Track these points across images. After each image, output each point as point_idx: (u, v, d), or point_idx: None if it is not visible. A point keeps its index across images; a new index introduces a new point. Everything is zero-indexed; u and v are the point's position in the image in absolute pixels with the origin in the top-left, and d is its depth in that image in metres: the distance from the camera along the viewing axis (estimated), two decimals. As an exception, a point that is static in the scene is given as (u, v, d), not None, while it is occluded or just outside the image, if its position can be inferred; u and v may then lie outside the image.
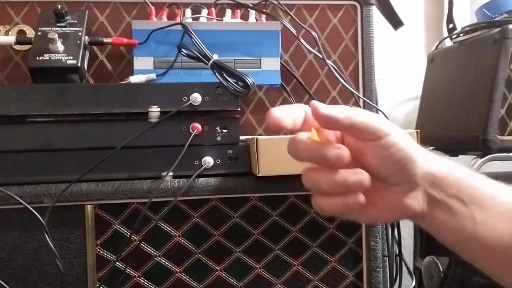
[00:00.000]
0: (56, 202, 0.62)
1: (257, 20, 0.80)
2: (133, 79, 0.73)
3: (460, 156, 1.15)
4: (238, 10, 0.80)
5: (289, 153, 0.40)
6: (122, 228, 0.66)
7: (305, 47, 0.81)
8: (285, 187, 0.68)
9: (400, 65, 1.32)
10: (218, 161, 0.68)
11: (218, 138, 0.69)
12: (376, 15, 0.86)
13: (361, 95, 0.83)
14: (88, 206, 0.65)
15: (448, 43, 1.15)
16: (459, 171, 0.43)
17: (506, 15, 0.97)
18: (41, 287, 0.64)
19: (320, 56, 0.79)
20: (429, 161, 0.42)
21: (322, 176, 0.39)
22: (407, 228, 1.29)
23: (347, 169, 0.39)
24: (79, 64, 0.68)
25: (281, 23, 0.79)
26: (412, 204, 0.42)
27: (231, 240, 0.68)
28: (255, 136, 0.65)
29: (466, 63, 1.00)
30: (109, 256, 0.66)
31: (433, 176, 0.42)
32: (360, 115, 0.39)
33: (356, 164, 0.40)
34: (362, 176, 0.39)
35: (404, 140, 0.40)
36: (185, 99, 0.67)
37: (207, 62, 0.70)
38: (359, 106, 0.83)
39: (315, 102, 0.38)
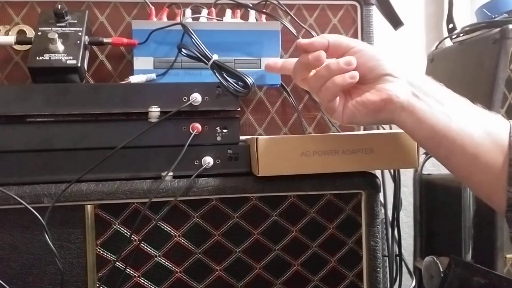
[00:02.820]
0: (56, 202, 0.62)
1: (257, 20, 0.80)
2: (133, 79, 0.73)
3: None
4: (238, 10, 0.80)
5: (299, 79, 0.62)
6: (122, 228, 0.66)
7: (305, 47, 0.80)
8: (285, 187, 0.68)
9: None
10: (218, 161, 0.68)
11: (218, 138, 0.69)
12: (376, 15, 0.86)
13: (361, 95, 0.83)
14: (88, 206, 0.65)
15: (448, 43, 1.15)
16: (434, 82, 0.57)
17: (506, 15, 0.97)
18: (41, 287, 0.64)
19: (320, 56, 0.79)
20: (404, 67, 0.55)
21: (321, 68, 0.56)
22: (407, 228, 1.29)
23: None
24: (79, 64, 0.68)
25: (281, 23, 0.79)
26: (394, 89, 0.53)
27: (231, 240, 0.69)
28: (255, 136, 0.65)
29: (466, 63, 1.00)
30: (109, 256, 0.66)
31: (409, 78, 0.55)
32: (335, 35, 0.58)
33: None
34: (348, 58, 0.56)
35: (373, 48, 0.57)
36: (185, 99, 0.67)
37: (207, 62, 0.70)
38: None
39: (300, 41, 0.56)
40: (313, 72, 0.59)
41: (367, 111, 0.55)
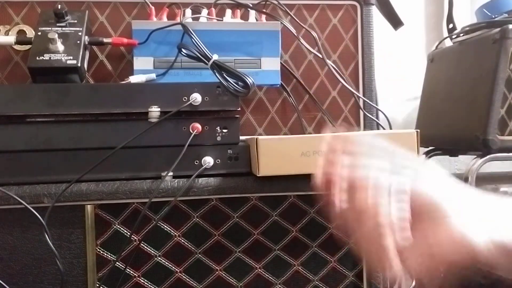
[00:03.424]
0: (56, 202, 0.62)
1: (257, 20, 0.80)
2: (133, 79, 0.73)
3: (460, 156, 1.15)
4: (238, 10, 0.80)
5: None
6: (122, 228, 0.66)
7: (305, 47, 0.81)
8: (285, 187, 0.68)
9: (400, 65, 1.32)
10: (218, 161, 0.68)
11: (218, 138, 0.68)
12: (376, 15, 0.86)
13: (361, 95, 0.83)
14: (88, 206, 0.65)
15: (448, 43, 1.15)
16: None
17: (506, 15, 0.97)
18: (41, 287, 0.64)
19: (320, 56, 0.79)
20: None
21: (371, 220, 0.40)
22: (407, 228, 1.29)
23: None
24: (79, 64, 0.68)
25: (281, 23, 0.79)
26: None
27: (231, 240, 0.68)
28: (255, 136, 0.65)
29: (466, 63, 1.00)
30: (109, 256, 0.66)
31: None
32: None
33: None
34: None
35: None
36: (185, 99, 0.67)
37: (207, 62, 0.70)
38: (359, 106, 0.83)
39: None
40: None
41: (435, 268, 0.42)
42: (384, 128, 0.83)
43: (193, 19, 0.77)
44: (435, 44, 1.21)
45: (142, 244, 0.66)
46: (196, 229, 0.67)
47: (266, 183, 0.67)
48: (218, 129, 0.69)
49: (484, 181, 0.89)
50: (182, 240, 0.67)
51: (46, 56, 0.67)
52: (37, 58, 0.67)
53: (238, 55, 0.77)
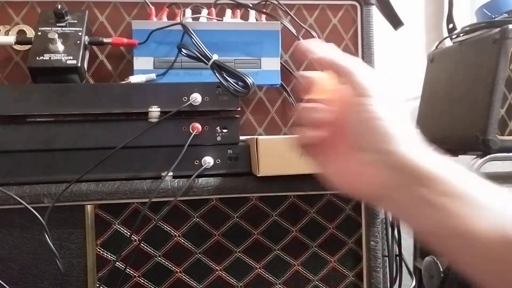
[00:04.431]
0: (56, 202, 0.62)
1: (257, 20, 0.80)
2: (133, 79, 0.73)
3: (460, 156, 1.15)
4: (238, 10, 0.80)
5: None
6: (122, 228, 0.66)
7: (305, 47, 0.80)
8: (285, 187, 0.68)
9: (400, 65, 1.32)
10: (218, 161, 0.68)
11: (218, 138, 0.68)
12: (376, 15, 0.86)
13: (361, 95, 0.83)
14: (88, 206, 0.65)
15: (448, 43, 1.15)
16: (456, 178, 0.38)
17: (506, 15, 0.97)
18: (41, 287, 0.64)
19: (320, 56, 0.79)
20: (418, 155, 0.39)
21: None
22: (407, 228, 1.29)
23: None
24: (79, 64, 0.68)
25: (281, 23, 0.79)
26: (376, 177, 0.39)
27: (231, 240, 0.68)
28: (255, 136, 0.65)
29: (466, 63, 1.00)
30: (109, 256, 0.66)
31: (418, 174, 0.38)
32: (337, 58, 0.42)
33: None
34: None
35: (385, 113, 0.40)
36: (185, 99, 0.67)
37: (207, 62, 0.70)
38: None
39: (301, 42, 0.44)
40: None
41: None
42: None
43: (193, 19, 0.77)
44: (435, 44, 1.21)
45: (142, 244, 0.66)
46: (196, 229, 0.67)
47: (266, 183, 0.67)
48: (218, 129, 0.69)
49: (484, 181, 0.89)
50: (182, 240, 0.67)
51: (46, 56, 0.67)
52: (37, 58, 0.67)
53: (238, 55, 0.77)
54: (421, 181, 0.38)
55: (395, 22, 0.99)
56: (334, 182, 0.43)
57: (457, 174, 0.39)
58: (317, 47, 0.44)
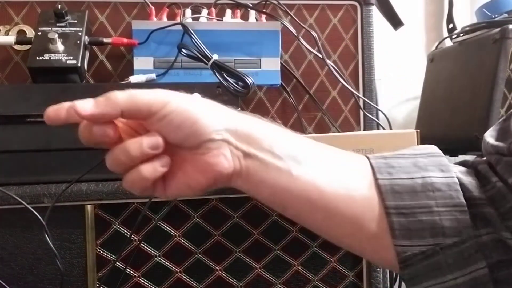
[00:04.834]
0: (56, 202, 0.62)
1: (257, 20, 0.80)
2: (133, 79, 0.73)
3: (460, 156, 1.15)
4: (238, 10, 0.80)
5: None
6: (122, 228, 0.66)
7: (305, 47, 0.81)
8: (285, 187, 0.68)
9: (400, 65, 1.32)
10: (218, 161, 0.68)
11: (218, 138, 0.68)
12: (376, 15, 0.86)
13: (361, 95, 0.83)
14: (88, 206, 0.65)
15: (448, 43, 1.15)
16: (268, 127, 0.42)
17: (506, 15, 0.97)
18: (41, 287, 0.64)
19: (320, 56, 0.79)
20: (225, 117, 0.40)
21: (118, 151, 0.38)
22: (407, 228, 1.29)
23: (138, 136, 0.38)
24: (79, 64, 0.68)
25: (281, 23, 0.79)
26: (220, 162, 0.40)
27: (231, 240, 0.68)
28: (255, 136, 0.65)
29: (466, 63, 1.00)
30: (109, 256, 0.66)
31: (235, 132, 0.40)
32: (129, 96, 0.37)
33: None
34: (154, 138, 0.38)
35: (185, 103, 0.38)
36: (185, 99, 0.67)
37: (207, 62, 0.70)
38: (359, 106, 0.83)
39: (74, 104, 0.36)
40: None
41: (196, 191, 0.41)
42: (384, 128, 0.83)
43: (193, 19, 0.77)
44: (435, 44, 1.21)
45: (142, 244, 0.66)
46: (196, 229, 0.67)
47: (266, 183, 0.67)
48: (218, 129, 0.68)
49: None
50: (182, 240, 0.67)
51: (46, 56, 0.67)
52: (37, 58, 0.67)
53: (238, 55, 0.77)
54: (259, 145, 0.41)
55: (395, 22, 0.99)
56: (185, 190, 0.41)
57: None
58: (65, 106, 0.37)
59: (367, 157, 0.44)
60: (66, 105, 0.37)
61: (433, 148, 0.46)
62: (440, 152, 0.46)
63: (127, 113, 0.37)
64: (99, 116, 0.37)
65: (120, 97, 0.37)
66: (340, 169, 0.43)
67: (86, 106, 0.36)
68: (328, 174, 0.42)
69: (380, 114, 0.86)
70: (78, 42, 0.69)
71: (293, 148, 0.42)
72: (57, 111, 0.37)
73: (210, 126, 0.39)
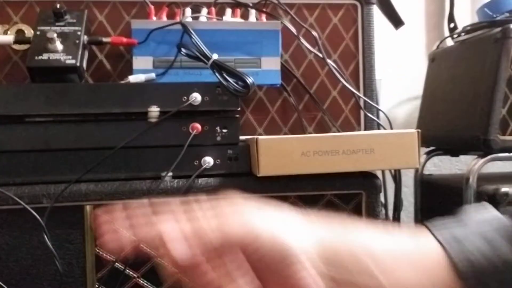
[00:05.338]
0: (55, 203, 0.62)
1: (257, 19, 0.80)
2: (133, 78, 0.72)
3: (461, 156, 1.15)
4: (238, 9, 0.79)
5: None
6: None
7: (306, 46, 0.80)
8: (285, 187, 0.68)
9: (401, 65, 1.32)
10: (218, 161, 0.68)
11: (218, 138, 0.68)
12: (376, 14, 0.86)
13: (361, 95, 0.83)
14: (87, 206, 0.64)
15: (449, 42, 1.15)
16: (349, 239, 0.40)
17: (508, 14, 0.97)
18: (40, 287, 0.64)
19: (321, 55, 0.79)
20: (316, 240, 0.39)
21: None
22: (407, 228, 1.29)
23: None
24: (78, 64, 0.67)
25: (281, 22, 0.78)
26: (308, 285, 0.37)
27: (231, 240, 0.68)
28: (255, 136, 0.65)
29: (467, 62, 0.99)
30: (109, 257, 0.65)
31: (323, 254, 0.38)
32: (221, 233, 0.36)
33: None
34: None
35: (275, 233, 0.37)
36: (184, 99, 0.67)
37: (206, 62, 0.70)
38: (360, 106, 0.83)
39: (170, 250, 0.37)
40: None
41: None
42: (385, 128, 0.82)
43: (193, 18, 0.77)
44: (436, 44, 1.21)
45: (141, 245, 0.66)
46: (195, 229, 0.67)
47: (266, 183, 0.67)
48: (218, 129, 0.68)
49: (485, 181, 0.89)
50: (182, 241, 0.67)
51: (45, 56, 0.67)
52: (36, 58, 0.67)
53: (238, 55, 0.77)
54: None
55: (396, 21, 0.99)
56: None
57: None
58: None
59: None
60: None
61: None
62: None
63: (220, 251, 0.37)
64: (193, 261, 0.37)
65: (213, 235, 0.36)
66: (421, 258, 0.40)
67: (182, 253, 0.37)
68: (410, 269, 0.40)
69: (381, 114, 0.86)
70: (77, 41, 0.69)
71: (375, 256, 0.39)
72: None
73: (295, 247, 0.37)
